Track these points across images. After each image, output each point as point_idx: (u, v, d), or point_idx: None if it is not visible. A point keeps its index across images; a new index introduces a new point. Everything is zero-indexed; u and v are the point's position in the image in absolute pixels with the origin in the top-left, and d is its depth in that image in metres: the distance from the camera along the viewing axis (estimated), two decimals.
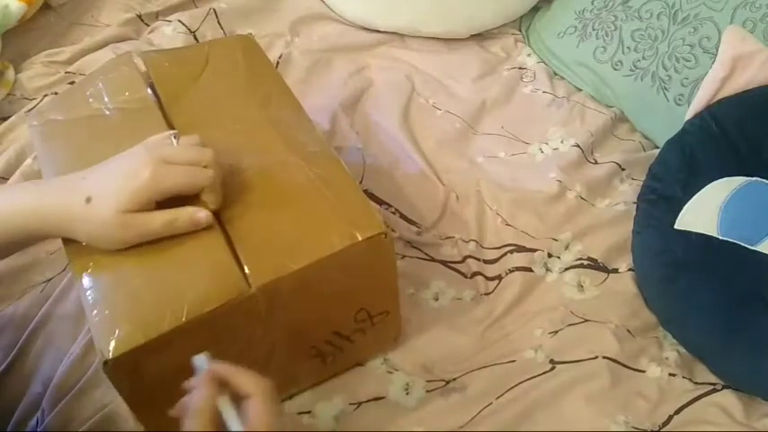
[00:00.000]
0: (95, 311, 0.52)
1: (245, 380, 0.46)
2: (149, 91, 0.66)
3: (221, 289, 0.52)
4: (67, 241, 0.56)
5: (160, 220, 0.53)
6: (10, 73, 0.95)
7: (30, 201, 0.54)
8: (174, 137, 0.57)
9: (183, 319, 0.51)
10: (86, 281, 0.53)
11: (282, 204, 0.58)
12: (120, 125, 0.64)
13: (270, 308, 0.55)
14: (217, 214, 0.56)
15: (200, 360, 0.48)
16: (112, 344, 0.50)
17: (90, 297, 0.53)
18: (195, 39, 1.01)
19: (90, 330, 0.52)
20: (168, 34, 1.00)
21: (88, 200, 0.52)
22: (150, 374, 0.53)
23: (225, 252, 0.54)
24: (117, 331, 0.50)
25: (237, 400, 0.46)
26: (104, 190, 0.52)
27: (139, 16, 1.04)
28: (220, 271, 0.53)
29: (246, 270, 0.53)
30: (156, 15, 1.05)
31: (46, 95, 0.92)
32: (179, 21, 1.02)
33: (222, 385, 0.46)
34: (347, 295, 0.60)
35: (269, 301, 0.54)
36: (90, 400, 0.65)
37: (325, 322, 0.62)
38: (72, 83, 0.95)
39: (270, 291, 0.54)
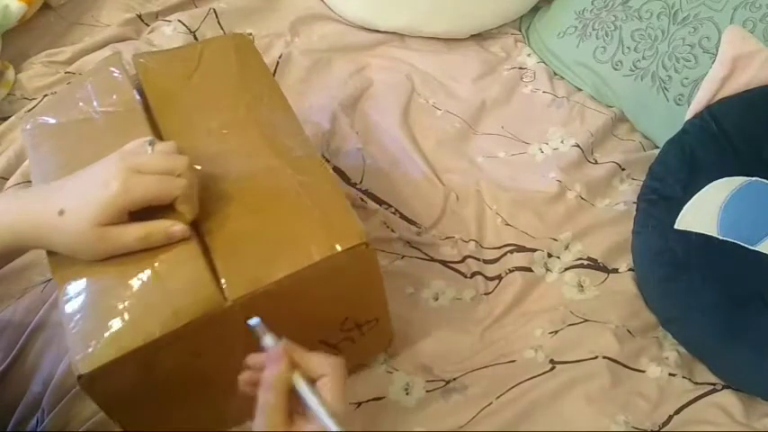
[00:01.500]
0: (71, 324, 0.51)
1: (317, 361, 0.47)
2: (136, 94, 0.66)
3: (197, 302, 0.51)
4: (50, 251, 0.55)
5: (134, 234, 0.52)
6: (10, 73, 0.95)
7: (6, 214, 0.53)
8: (150, 143, 0.55)
9: (158, 334, 0.50)
10: (65, 292, 0.53)
11: (263, 213, 0.57)
12: (107, 129, 0.63)
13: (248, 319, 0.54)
14: (196, 223, 0.55)
15: (264, 333, 0.48)
16: (86, 359, 0.49)
17: (68, 309, 0.52)
18: (195, 39, 1.01)
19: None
20: (168, 34, 1.00)
21: (61, 212, 0.51)
22: (128, 387, 0.52)
23: (201, 264, 0.53)
24: (90, 346, 0.49)
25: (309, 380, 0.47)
26: (77, 202, 0.51)
27: (139, 16, 1.04)
28: (196, 283, 0.52)
29: (223, 282, 0.53)
30: (156, 15, 1.05)
31: (46, 95, 0.92)
32: (179, 21, 1.02)
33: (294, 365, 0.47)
34: (330, 305, 0.59)
35: (247, 313, 0.52)
36: (89, 401, 0.65)
37: (310, 331, 0.60)
38: (71, 83, 0.95)
39: (247, 303, 0.53)
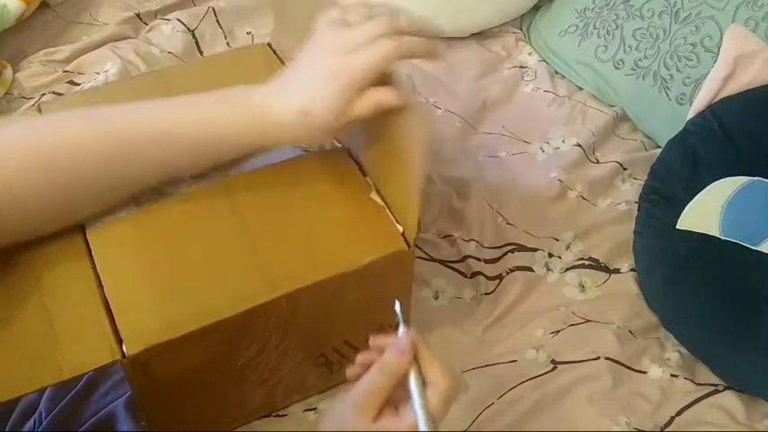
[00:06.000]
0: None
1: (437, 367, 0.47)
2: None
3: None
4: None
5: (364, 108, 0.54)
6: (8, 72, 0.94)
7: (248, 114, 0.55)
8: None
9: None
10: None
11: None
12: None
13: (290, 316, 0.55)
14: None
15: (401, 320, 0.49)
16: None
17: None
18: (194, 37, 1.00)
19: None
20: (167, 33, 1.00)
21: (306, 113, 0.54)
22: (166, 373, 0.53)
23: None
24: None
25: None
26: (318, 101, 0.54)
27: (138, 15, 1.04)
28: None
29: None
30: (155, 14, 1.05)
31: (44, 94, 0.92)
32: (177, 19, 1.01)
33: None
34: (363, 306, 0.60)
35: (290, 308, 0.54)
36: (89, 402, 0.64)
37: (338, 331, 0.62)
38: (70, 82, 0.94)
39: (292, 298, 0.54)
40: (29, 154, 0.52)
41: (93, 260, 0.54)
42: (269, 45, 0.76)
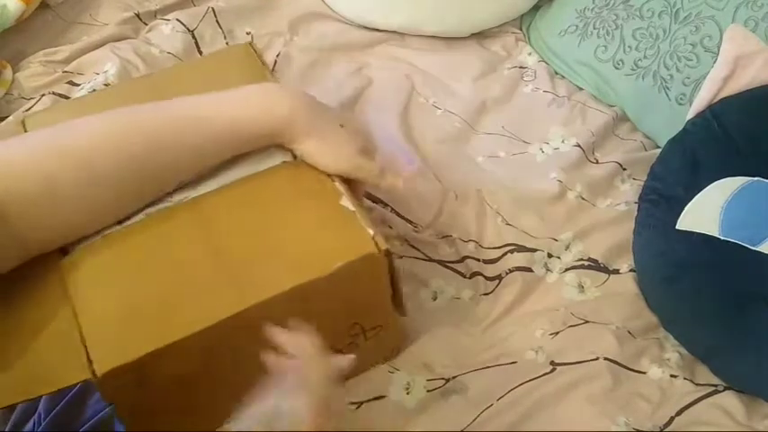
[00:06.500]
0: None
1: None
2: None
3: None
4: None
5: (378, 167, 0.63)
6: (7, 72, 0.94)
7: (286, 112, 0.60)
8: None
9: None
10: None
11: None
12: None
13: (263, 325, 0.55)
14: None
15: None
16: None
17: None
18: (194, 38, 1.00)
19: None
20: (167, 33, 1.00)
21: (342, 125, 0.62)
22: (141, 389, 0.53)
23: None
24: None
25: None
26: (351, 121, 0.63)
27: (138, 15, 1.04)
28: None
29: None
30: (155, 14, 1.05)
31: (44, 95, 0.92)
32: (177, 20, 1.01)
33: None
34: (340, 310, 0.60)
35: (262, 317, 0.54)
36: (88, 403, 0.64)
37: (320, 336, 0.61)
38: (70, 82, 0.94)
39: (263, 308, 0.53)
40: (64, 152, 0.53)
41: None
42: (250, 44, 0.76)
